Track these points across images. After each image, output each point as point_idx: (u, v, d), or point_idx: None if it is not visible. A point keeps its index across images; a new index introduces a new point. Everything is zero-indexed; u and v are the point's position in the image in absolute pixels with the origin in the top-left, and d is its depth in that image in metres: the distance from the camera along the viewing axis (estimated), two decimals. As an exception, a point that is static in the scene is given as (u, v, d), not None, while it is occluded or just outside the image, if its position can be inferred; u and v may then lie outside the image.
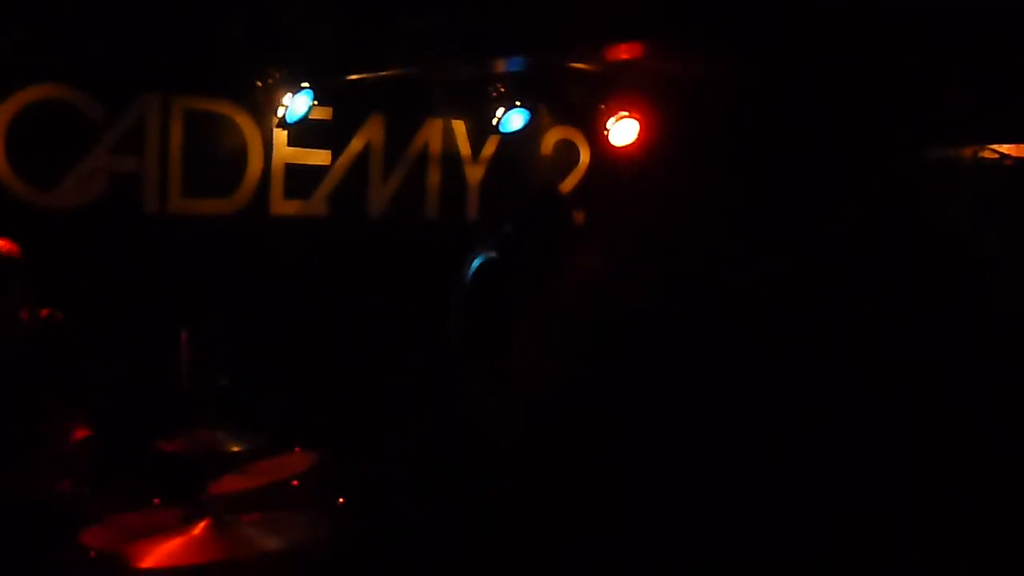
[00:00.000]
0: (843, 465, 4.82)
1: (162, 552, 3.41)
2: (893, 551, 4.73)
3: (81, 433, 4.09)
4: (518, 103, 6.09)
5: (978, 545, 4.73)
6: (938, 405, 4.80)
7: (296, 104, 5.47)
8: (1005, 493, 5.00)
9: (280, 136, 5.81)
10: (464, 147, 6.45)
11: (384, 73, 5.75)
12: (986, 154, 6.28)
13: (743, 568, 4.86)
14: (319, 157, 6.01)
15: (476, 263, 4.89)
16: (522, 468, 4.83)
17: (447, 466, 4.95)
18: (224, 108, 5.68)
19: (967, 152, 6.39)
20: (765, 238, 6.26)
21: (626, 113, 6.23)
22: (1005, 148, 6.24)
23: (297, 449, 4.61)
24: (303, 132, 5.78)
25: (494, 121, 6.14)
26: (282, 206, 5.93)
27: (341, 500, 4.33)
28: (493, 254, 4.88)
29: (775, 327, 5.07)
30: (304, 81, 5.43)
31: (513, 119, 6.15)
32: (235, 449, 4.45)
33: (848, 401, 4.88)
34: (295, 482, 4.27)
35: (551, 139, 6.76)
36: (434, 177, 6.38)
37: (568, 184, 6.79)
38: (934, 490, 4.85)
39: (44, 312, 4.03)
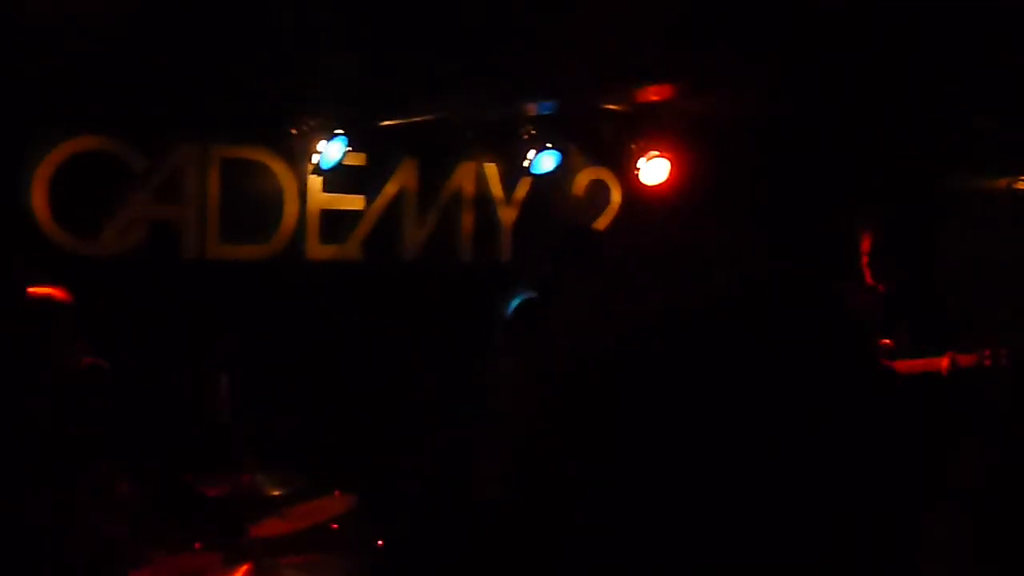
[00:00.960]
0: (861, 467, 4.79)
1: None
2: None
3: (120, 480, 4.13)
4: (549, 145, 6.14)
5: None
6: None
7: (330, 151, 5.55)
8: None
9: (315, 182, 5.89)
10: (496, 189, 6.50)
11: (416, 118, 5.83)
12: (1020, 185, 6.28)
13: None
14: (354, 202, 6.08)
15: (514, 303, 4.94)
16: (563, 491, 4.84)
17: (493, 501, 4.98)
18: (260, 156, 5.77)
19: (1002, 183, 6.38)
20: (797, 275, 6.25)
21: (657, 152, 6.26)
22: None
23: (337, 492, 4.64)
24: (338, 178, 5.86)
25: (526, 163, 6.19)
26: (318, 251, 6.00)
27: (380, 543, 4.36)
28: (532, 294, 4.94)
29: (808, 369, 5.05)
30: (338, 128, 5.51)
31: (544, 161, 6.19)
32: (275, 493, 4.50)
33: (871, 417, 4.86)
34: (334, 525, 4.29)
35: (583, 180, 6.80)
36: (467, 219, 6.43)
37: (601, 224, 6.82)
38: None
39: (88, 360, 4.09)
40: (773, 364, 5.72)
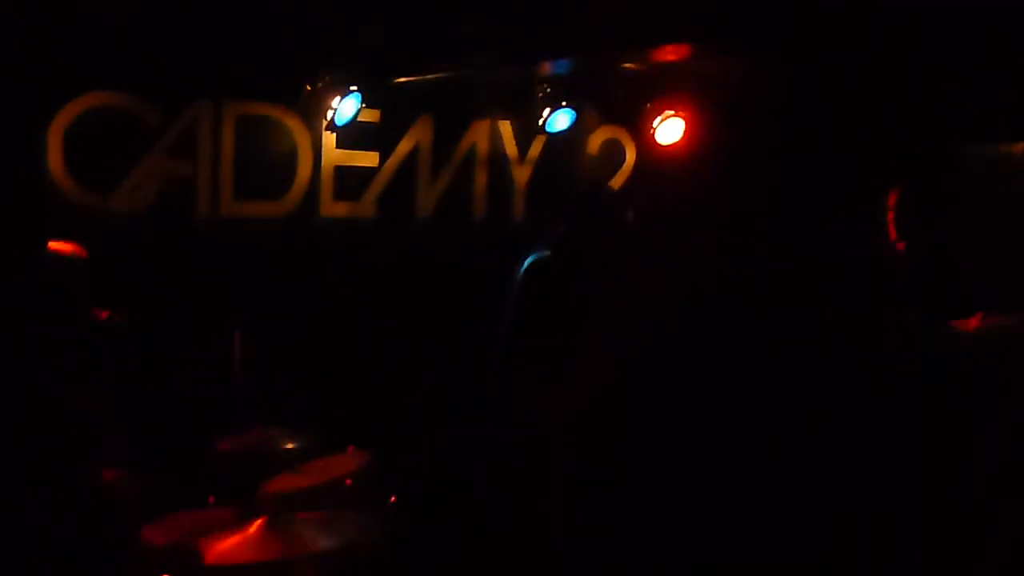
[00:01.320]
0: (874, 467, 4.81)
1: (218, 550, 3.48)
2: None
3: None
4: (564, 103, 6.12)
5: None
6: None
7: (345, 107, 5.53)
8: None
9: (329, 139, 5.88)
10: (511, 148, 6.49)
11: (431, 76, 5.80)
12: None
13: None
14: (368, 159, 6.07)
15: (527, 262, 4.94)
16: (570, 462, 4.88)
17: (493, 460, 5.01)
18: (274, 112, 5.76)
19: (1017, 148, 6.33)
20: (809, 237, 6.25)
21: (672, 112, 6.23)
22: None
23: (350, 448, 4.67)
24: (352, 135, 5.85)
25: (540, 122, 6.17)
26: (332, 208, 5.99)
27: (393, 499, 4.38)
28: (546, 253, 4.94)
29: (822, 328, 5.05)
30: (352, 84, 5.49)
31: (559, 119, 6.18)
32: (289, 448, 4.54)
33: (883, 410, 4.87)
34: (348, 481, 4.32)
35: (597, 139, 6.77)
36: (481, 178, 6.43)
37: (615, 183, 6.80)
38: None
39: (103, 314, 4.11)
40: (782, 338, 5.76)
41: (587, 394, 4.77)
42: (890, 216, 5.00)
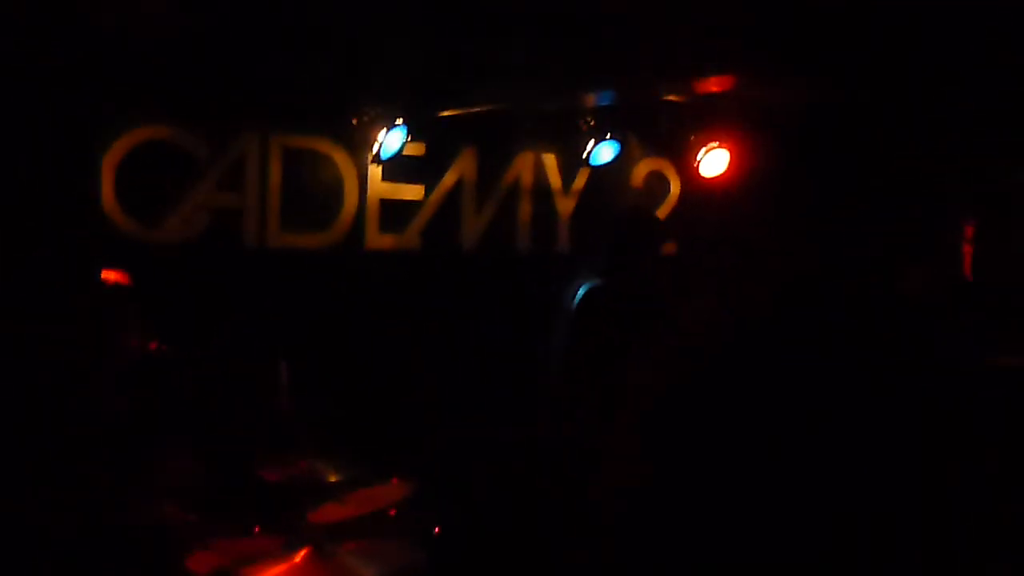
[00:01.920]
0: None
1: (266, 579, 3.49)
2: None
3: (181, 463, 4.20)
4: (608, 135, 6.12)
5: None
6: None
7: (390, 140, 5.58)
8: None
9: (375, 172, 5.93)
10: (555, 180, 6.50)
11: (476, 108, 5.84)
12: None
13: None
14: (413, 192, 6.11)
15: (581, 291, 4.99)
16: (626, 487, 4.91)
17: (549, 487, 5.05)
18: (321, 145, 5.82)
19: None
20: (856, 264, 6.21)
21: (716, 144, 6.22)
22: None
23: (395, 479, 4.68)
24: (397, 167, 5.90)
25: (584, 154, 6.17)
26: (377, 240, 6.04)
27: (437, 530, 4.38)
28: (598, 282, 4.99)
29: (872, 352, 5.01)
30: (398, 118, 5.54)
31: (603, 151, 6.17)
32: (334, 479, 4.54)
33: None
34: (392, 511, 4.32)
35: (641, 171, 6.77)
36: (526, 209, 6.44)
37: (660, 215, 6.79)
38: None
39: (152, 345, 4.16)
40: (821, 363, 5.73)
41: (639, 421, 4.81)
42: (967, 249, 4.94)
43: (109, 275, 4.05)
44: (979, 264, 4.84)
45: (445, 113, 5.87)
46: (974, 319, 4.82)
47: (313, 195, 5.85)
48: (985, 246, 4.83)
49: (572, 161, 6.40)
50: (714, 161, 6.26)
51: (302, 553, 3.60)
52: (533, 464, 5.19)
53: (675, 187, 6.85)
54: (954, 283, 4.90)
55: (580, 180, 6.56)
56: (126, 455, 4.08)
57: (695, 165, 6.29)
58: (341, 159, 5.87)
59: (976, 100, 5.94)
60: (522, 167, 6.42)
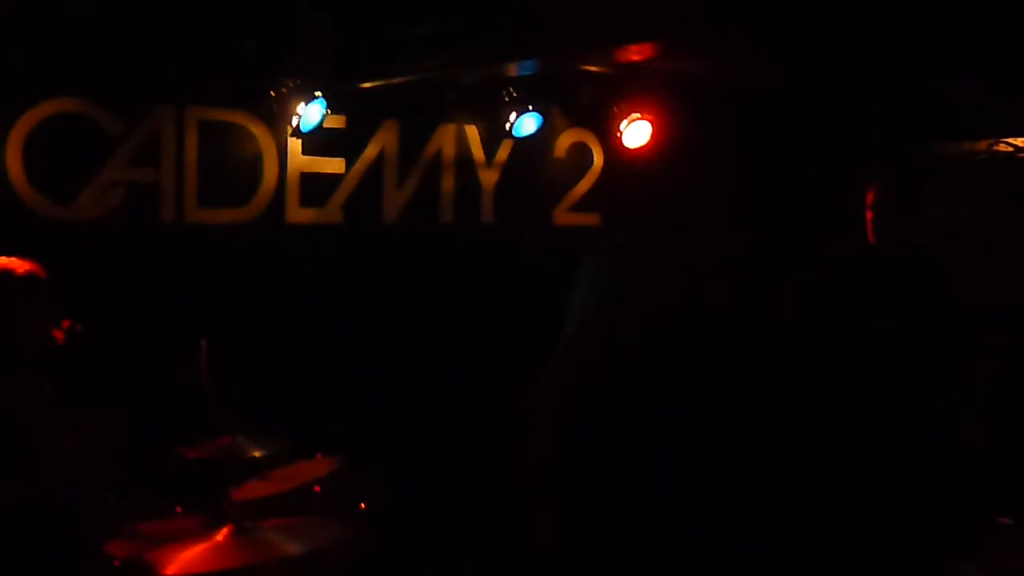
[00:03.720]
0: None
1: (185, 559, 3.43)
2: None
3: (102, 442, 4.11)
4: (531, 107, 6.10)
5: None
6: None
7: (309, 113, 5.49)
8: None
9: (295, 145, 5.84)
10: (478, 152, 6.47)
11: (396, 80, 5.77)
12: (1000, 147, 6.28)
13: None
14: (333, 165, 6.04)
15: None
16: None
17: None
18: (238, 118, 5.71)
19: (981, 146, 6.39)
20: (772, 236, 6.29)
21: (639, 114, 6.23)
22: (1020, 141, 6.23)
23: (318, 455, 4.64)
24: (317, 140, 5.81)
25: (507, 125, 6.15)
26: (298, 214, 5.95)
27: (362, 505, 4.35)
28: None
29: (781, 327, 5.09)
30: (317, 90, 5.46)
31: (526, 123, 6.16)
32: (256, 455, 4.49)
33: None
34: (316, 488, 4.29)
35: (565, 142, 6.76)
36: (448, 182, 6.40)
37: (583, 186, 6.80)
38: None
39: (64, 324, 4.06)
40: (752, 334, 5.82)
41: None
42: (868, 216, 5.03)
43: (21, 264, 3.92)
44: (882, 230, 4.93)
45: (365, 85, 5.79)
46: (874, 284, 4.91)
47: (231, 169, 5.74)
48: (888, 213, 4.92)
49: (495, 133, 6.37)
50: (637, 132, 6.27)
51: (224, 531, 3.53)
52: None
53: (599, 158, 6.85)
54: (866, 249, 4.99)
55: (503, 152, 6.53)
56: (42, 440, 3.98)
57: (618, 136, 6.29)
58: (260, 132, 5.77)
59: (889, 79, 6.04)
60: (444, 139, 6.37)
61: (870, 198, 4.99)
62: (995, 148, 6.27)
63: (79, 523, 3.91)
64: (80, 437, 3.98)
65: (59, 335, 3.98)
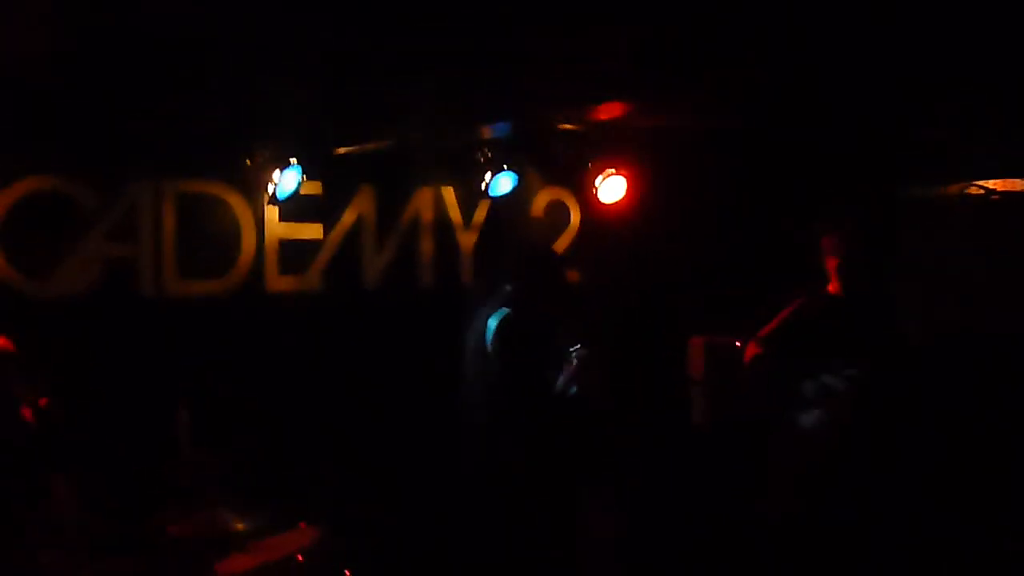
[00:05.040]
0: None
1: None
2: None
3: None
4: (505, 167, 6.13)
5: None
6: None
7: (285, 180, 5.51)
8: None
9: (272, 213, 5.85)
10: (455, 214, 6.48)
11: (371, 145, 5.81)
12: (972, 190, 6.34)
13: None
14: (311, 231, 6.04)
15: (495, 319, 5.15)
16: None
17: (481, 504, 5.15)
18: (215, 189, 5.73)
19: (954, 188, 6.45)
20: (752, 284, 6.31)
21: (613, 170, 6.27)
22: (991, 183, 6.29)
23: (302, 524, 4.60)
24: (294, 207, 5.82)
25: (483, 186, 6.17)
26: (277, 282, 5.95)
27: (347, 573, 4.32)
28: (507, 311, 5.12)
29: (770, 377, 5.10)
30: (292, 157, 5.48)
31: (502, 183, 6.17)
32: (239, 528, 4.45)
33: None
34: (300, 557, 4.25)
35: (541, 201, 6.79)
36: (427, 245, 6.40)
37: (561, 244, 6.82)
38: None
39: (42, 402, 4.04)
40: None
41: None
42: (831, 263, 5.05)
43: None
44: (848, 277, 4.96)
45: (340, 151, 5.83)
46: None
47: (209, 240, 5.73)
48: (854, 260, 4.96)
49: (471, 194, 6.38)
50: (612, 187, 6.31)
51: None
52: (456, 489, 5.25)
53: (575, 215, 6.88)
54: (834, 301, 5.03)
55: (480, 213, 6.55)
56: (20, 514, 3.95)
57: (593, 193, 6.33)
58: (236, 202, 5.78)
59: (856, 123, 6.10)
60: (421, 202, 6.39)
61: (835, 244, 5.02)
62: (967, 191, 6.33)
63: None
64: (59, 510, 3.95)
65: (28, 413, 3.96)
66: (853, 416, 4.82)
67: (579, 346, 5.25)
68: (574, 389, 5.27)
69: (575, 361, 5.24)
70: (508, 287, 5.32)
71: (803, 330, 4.96)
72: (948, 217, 6.33)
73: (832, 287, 5.05)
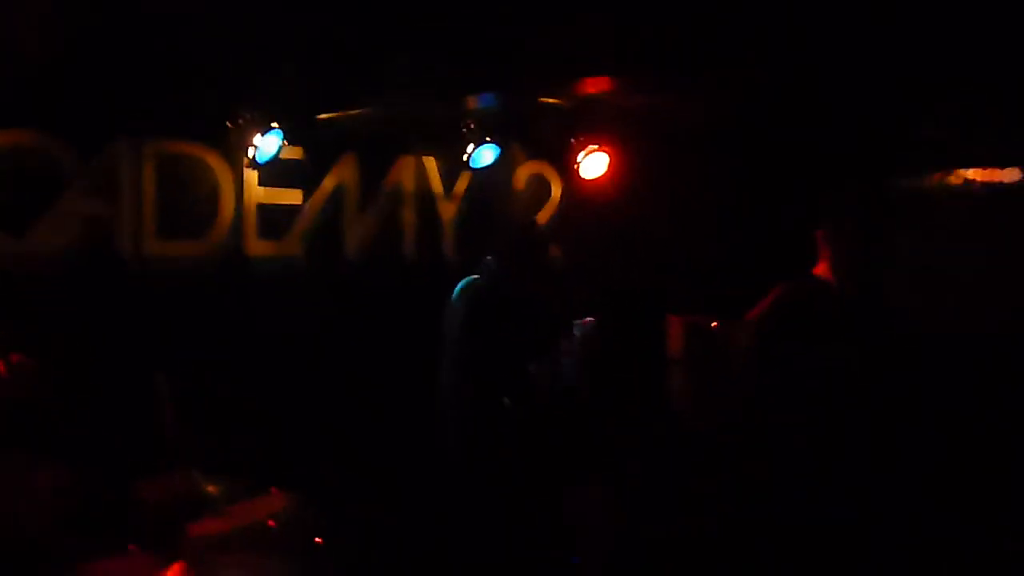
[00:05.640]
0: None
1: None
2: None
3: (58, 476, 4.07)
4: (489, 139, 6.12)
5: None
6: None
7: (266, 144, 5.49)
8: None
9: (252, 176, 5.82)
10: (436, 184, 6.47)
11: (354, 112, 5.78)
12: (954, 181, 6.35)
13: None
14: (291, 197, 6.01)
15: (460, 285, 5.11)
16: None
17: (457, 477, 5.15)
18: (195, 150, 5.68)
19: (935, 180, 6.46)
20: (731, 265, 6.34)
21: (596, 146, 6.28)
22: (971, 174, 6.31)
23: (273, 490, 4.60)
24: (275, 172, 5.80)
25: (465, 157, 6.17)
26: (256, 246, 5.93)
27: (318, 540, 4.32)
28: (476, 278, 5.12)
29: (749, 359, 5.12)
30: (274, 122, 5.45)
31: (484, 155, 6.18)
32: (212, 491, 4.45)
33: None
34: (272, 523, 4.25)
35: (523, 174, 6.79)
36: (408, 214, 6.40)
37: (541, 217, 6.82)
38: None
39: (14, 359, 4.02)
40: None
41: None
42: (825, 253, 5.05)
43: None
44: (843, 267, 4.97)
45: (323, 116, 5.80)
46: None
47: (189, 201, 5.70)
48: (852, 251, 4.97)
49: (454, 165, 6.38)
50: (594, 164, 6.32)
51: (175, 567, 3.50)
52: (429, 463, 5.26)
53: (556, 190, 6.88)
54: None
55: (462, 184, 6.54)
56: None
57: (575, 168, 6.33)
58: (216, 164, 5.74)
59: (847, 115, 6.11)
60: (403, 171, 6.38)
61: (830, 235, 5.01)
62: (947, 180, 6.35)
63: (33, 560, 3.86)
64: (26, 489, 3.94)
65: (2, 367, 3.94)
66: (842, 403, 4.84)
67: (584, 319, 5.22)
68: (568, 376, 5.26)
69: (578, 335, 5.23)
70: (490, 260, 5.29)
71: (795, 312, 4.96)
72: (935, 209, 6.34)
73: (820, 270, 5.06)
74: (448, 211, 6.52)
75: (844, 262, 4.94)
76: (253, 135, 5.45)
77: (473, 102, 6.07)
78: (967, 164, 6.26)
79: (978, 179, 6.25)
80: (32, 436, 4.04)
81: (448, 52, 5.10)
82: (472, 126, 6.11)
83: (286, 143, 5.56)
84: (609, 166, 6.32)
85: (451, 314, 5.21)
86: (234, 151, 5.63)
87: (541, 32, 4.79)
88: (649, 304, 6.53)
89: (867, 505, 4.74)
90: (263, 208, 5.92)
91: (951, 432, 5.35)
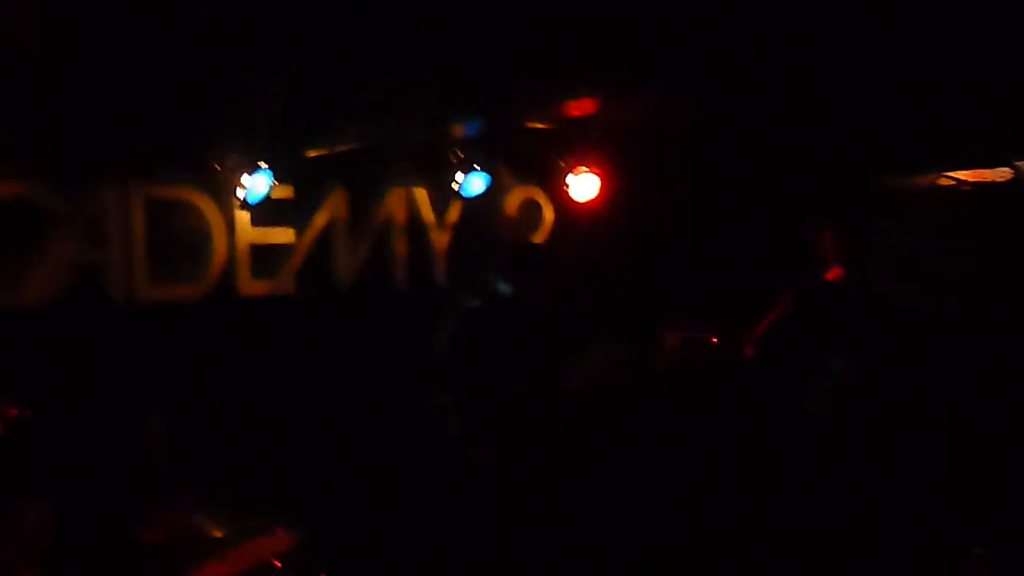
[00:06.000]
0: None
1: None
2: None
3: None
4: (477, 166, 6.11)
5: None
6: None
7: (256, 184, 5.48)
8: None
9: (243, 217, 5.81)
10: (428, 214, 6.46)
11: (342, 147, 5.78)
12: (943, 181, 6.36)
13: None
14: (284, 235, 6.01)
15: (458, 308, 5.15)
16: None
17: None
18: (185, 193, 5.68)
19: (924, 179, 6.47)
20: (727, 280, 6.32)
21: (585, 168, 6.27)
22: (961, 174, 6.32)
23: (279, 530, 4.56)
24: (266, 211, 5.79)
25: (455, 186, 6.15)
26: (250, 286, 5.91)
27: (323, 576, 4.30)
28: (475, 300, 5.11)
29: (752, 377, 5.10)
30: (261, 161, 5.45)
31: (474, 182, 6.17)
32: (215, 534, 4.42)
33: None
34: (277, 563, 4.22)
35: (514, 199, 6.78)
36: (400, 246, 6.38)
37: (536, 241, 6.81)
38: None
39: (11, 412, 4.00)
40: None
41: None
42: (827, 253, 5.05)
43: None
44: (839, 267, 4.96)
45: (311, 153, 5.80)
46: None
47: (180, 245, 5.69)
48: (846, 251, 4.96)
49: (444, 194, 6.37)
50: (584, 185, 6.31)
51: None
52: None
53: (548, 213, 6.87)
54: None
55: (454, 213, 6.53)
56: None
57: (565, 190, 6.33)
58: (207, 206, 5.73)
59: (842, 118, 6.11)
60: (394, 203, 6.37)
61: (829, 237, 5.01)
62: (937, 182, 6.35)
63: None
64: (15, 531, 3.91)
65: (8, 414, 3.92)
66: (848, 407, 4.81)
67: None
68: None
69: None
70: (491, 283, 5.30)
71: (804, 315, 4.96)
72: (924, 209, 6.34)
73: (828, 275, 5.06)
74: (441, 240, 6.51)
75: (844, 262, 4.96)
76: (242, 175, 5.44)
77: (459, 130, 6.07)
78: (962, 165, 6.27)
79: (957, 176, 6.26)
80: (26, 480, 4.02)
81: (430, 80, 5.10)
82: (460, 154, 6.10)
83: (276, 182, 5.55)
84: (600, 186, 6.30)
85: (448, 338, 5.22)
86: (223, 193, 5.62)
87: (522, 56, 4.79)
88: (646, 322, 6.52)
89: (867, 505, 4.72)
90: (255, 248, 5.90)
91: (951, 432, 5.33)
